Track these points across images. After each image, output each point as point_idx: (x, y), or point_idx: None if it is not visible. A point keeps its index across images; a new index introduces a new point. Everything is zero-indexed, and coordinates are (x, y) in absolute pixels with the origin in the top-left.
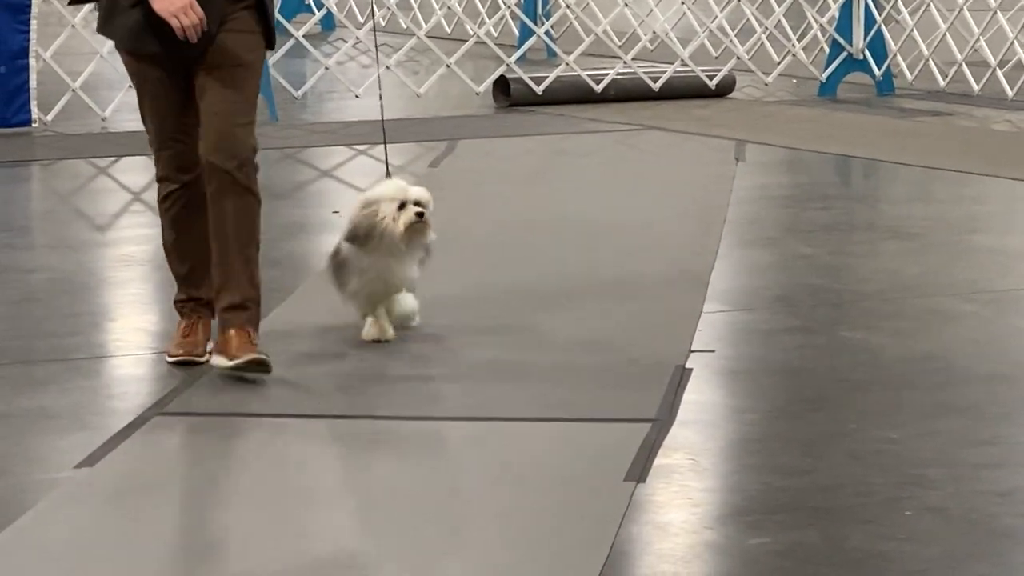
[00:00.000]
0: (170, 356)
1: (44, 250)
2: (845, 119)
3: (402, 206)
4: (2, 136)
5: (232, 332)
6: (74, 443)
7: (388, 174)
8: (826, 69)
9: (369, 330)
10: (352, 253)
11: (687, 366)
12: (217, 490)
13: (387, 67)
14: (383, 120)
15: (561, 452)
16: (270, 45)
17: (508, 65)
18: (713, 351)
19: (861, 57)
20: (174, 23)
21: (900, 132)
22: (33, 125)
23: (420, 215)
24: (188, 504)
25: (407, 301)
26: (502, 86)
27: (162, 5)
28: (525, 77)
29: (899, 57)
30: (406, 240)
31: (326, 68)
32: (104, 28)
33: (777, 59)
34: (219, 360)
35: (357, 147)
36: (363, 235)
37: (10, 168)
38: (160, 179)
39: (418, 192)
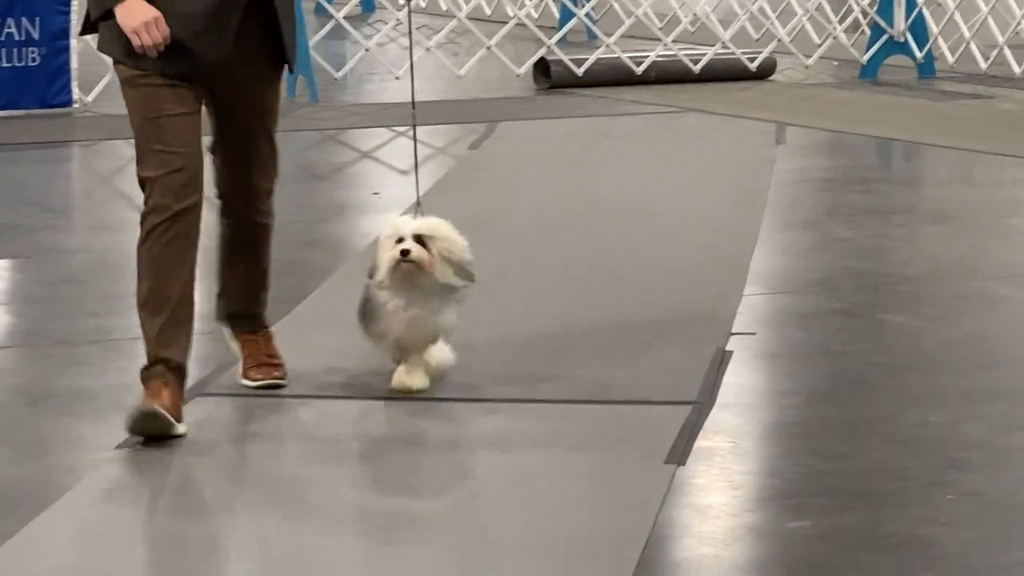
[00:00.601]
0: (130, 422)
1: (85, 231)
2: (886, 102)
3: (399, 241)
4: (43, 117)
5: (251, 343)
6: (115, 424)
7: (418, 203)
8: (867, 52)
9: (396, 378)
10: (374, 292)
11: (727, 349)
12: (258, 470)
13: (427, 48)
14: (414, 131)
15: (602, 434)
16: (290, 67)
17: (548, 47)
18: (754, 334)
19: (902, 40)
20: (134, 40)
21: (941, 115)
22: (74, 106)
23: (405, 252)
24: (230, 484)
25: (437, 354)
26: (542, 68)
27: (124, 16)
28: (565, 59)
29: (940, 40)
30: (397, 280)
31: (366, 50)
32: (103, 41)
33: (818, 41)
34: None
35: (397, 128)
36: (371, 272)
37: (51, 148)
38: (150, 211)
39: (418, 225)
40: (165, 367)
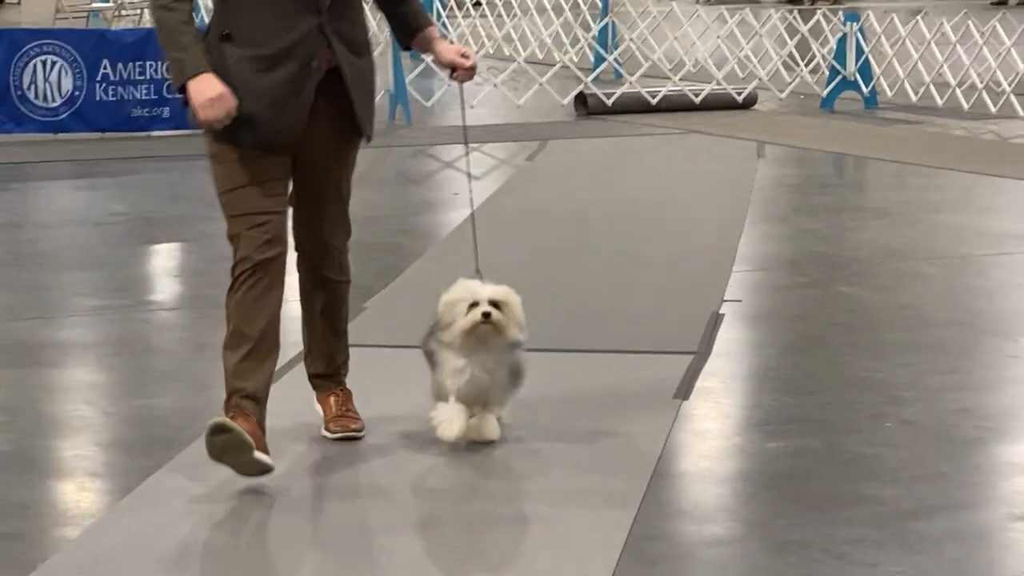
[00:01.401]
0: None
1: None
2: (840, 126)
3: (473, 305)
4: None
5: (331, 397)
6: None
7: (477, 271)
8: (826, 88)
9: (442, 424)
10: (437, 347)
11: (720, 312)
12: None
13: (494, 84)
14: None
15: (623, 376)
16: (367, 137)
17: (586, 83)
18: (740, 301)
19: (853, 79)
20: (199, 115)
21: (882, 136)
22: None
23: (487, 315)
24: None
25: (487, 428)
26: (581, 99)
27: (195, 92)
28: (599, 93)
29: (882, 79)
30: (472, 341)
31: (448, 85)
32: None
33: (789, 80)
34: (324, 431)
35: (472, 144)
36: (441, 331)
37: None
38: (237, 262)
39: (493, 291)
40: (239, 397)
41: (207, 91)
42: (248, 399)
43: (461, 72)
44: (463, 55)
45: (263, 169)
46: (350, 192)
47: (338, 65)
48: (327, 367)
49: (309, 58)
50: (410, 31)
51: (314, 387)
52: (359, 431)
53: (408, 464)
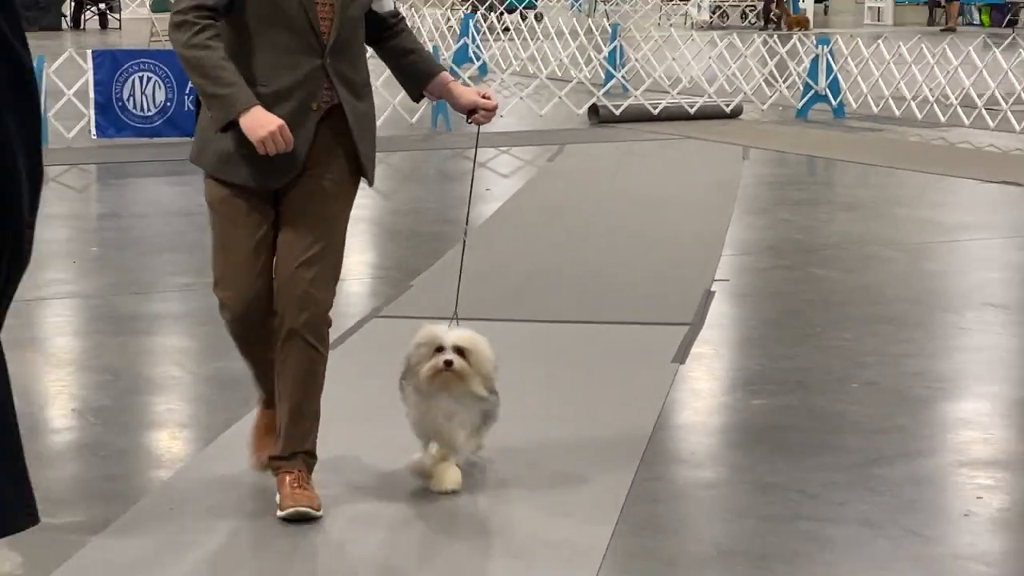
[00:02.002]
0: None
1: None
2: (813, 133)
3: (438, 350)
4: None
5: (285, 478)
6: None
7: (456, 316)
8: (801, 101)
9: (418, 464)
10: (406, 385)
11: (712, 289)
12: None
13: (520, 97)
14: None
15: (628, 344)
16: (368, 180)
17: (597, 97)
18: (728, 280)
19: (824, 93)
20: (260, 149)
21: (848, 142)
22: None
23: (448, 363)
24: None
25: (446, 478)
26: (594, 110)
27: (250, 126)
28: (608, 104)
29: (848, 93)
30: (435, 385)
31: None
32: (197, 159)
33: (770, 94)
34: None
35: (501, 148)
36: (406, 373)
37: None
38: (223, 318)
39: (459, 337)
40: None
41: (267, 123)
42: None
43: (481, 114)
44: (484, 96)
45: (253, 223)
46: (344, 243)
47: (339, 105)
48: (284, 446)
49: (309, 98)
50: (423, 78)
51: (273, 470)
52: (316, 509)
53: None
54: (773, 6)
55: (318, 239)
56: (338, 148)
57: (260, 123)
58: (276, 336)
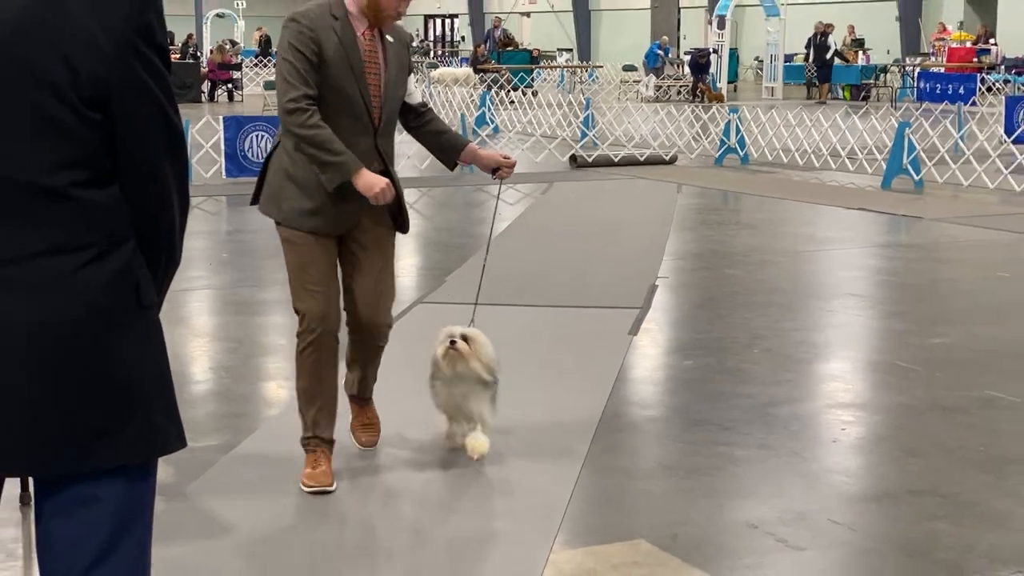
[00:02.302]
0: (305, 486)
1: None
2: (727, 175)
3: (451, 342)
4: None
5: (362, 409)
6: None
7: (472, 320)
8: (718, 152)
9: (466, 443)
10: (432, 374)
11: (656, 283)
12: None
13: (522, 149)
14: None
15: (592, 322)
16: (403, 230)
17: (576, 149)
18: (667, 277)
19: (734, 147)
20: (375, 201)
21: (751, 181)
22: None
23: (452, 342)
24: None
25: (477, 442)
26: (573, 158)
27: (365, 184)
28: (583, 154)
29: (751, 146)
30: (447, 366)
31: (495, 180)
32: (268, 211)
33: (696, 147)
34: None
35: (507, 184)
36: (434, 372)
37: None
38: (302, 332)
39: (464, 329)
40: (319, 441)
41: (376, 182)
42: (325, 443)
43: (504, 171)
44: (505, 156)
45: (322, 253)
46: (394, 278)
47: (384, 171)
48: (360, 390)
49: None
50: (457, 150)
51: (349, 397)
52: (374, 443)
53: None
54: (700, 86)
55: (383, 271)
56: (382, 207)
57: (373, 182)
58: (361, 339)
